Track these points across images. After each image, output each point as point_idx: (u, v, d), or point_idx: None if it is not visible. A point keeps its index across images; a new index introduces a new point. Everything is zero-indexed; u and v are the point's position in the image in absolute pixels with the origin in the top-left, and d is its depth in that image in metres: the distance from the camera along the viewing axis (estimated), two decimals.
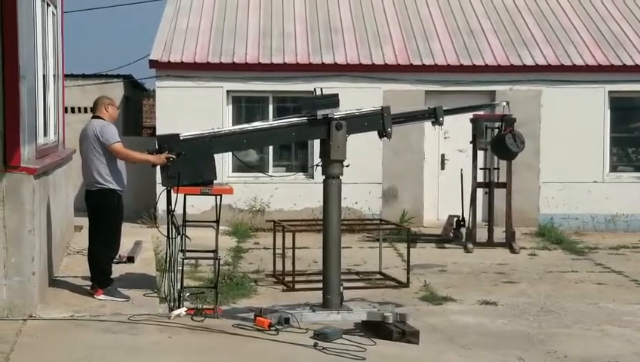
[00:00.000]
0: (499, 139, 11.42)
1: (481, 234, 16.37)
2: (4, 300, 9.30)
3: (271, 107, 18.99)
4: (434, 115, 10.36)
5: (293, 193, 18.35)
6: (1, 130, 9.28)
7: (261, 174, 17.98)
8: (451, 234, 16.89)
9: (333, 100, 9.86)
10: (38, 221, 9.79)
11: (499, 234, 16.36)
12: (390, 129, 10.05)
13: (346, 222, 15.61)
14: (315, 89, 10.00)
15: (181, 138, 9.68)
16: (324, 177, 9.90)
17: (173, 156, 9.57)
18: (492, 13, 20.91)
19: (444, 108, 10.53)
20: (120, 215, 10.78)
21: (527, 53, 19.33)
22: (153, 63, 18.56)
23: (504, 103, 11.11)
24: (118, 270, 11.64)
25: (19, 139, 9.39)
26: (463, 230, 16.62)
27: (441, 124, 10.41)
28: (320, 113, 9.73)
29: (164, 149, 9.68)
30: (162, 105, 18.60)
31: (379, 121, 10.04)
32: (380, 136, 10.18)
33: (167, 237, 10.04)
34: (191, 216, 10.36)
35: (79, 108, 20.56)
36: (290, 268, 12.55)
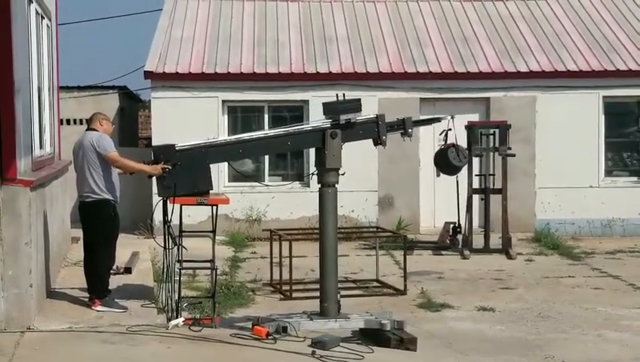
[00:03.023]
0: (441, 153, 11.24)
1: (478, 241, 16.38)
2: (1, 312, 9.33)
3: (266, 116, 19.03)
4: (403, 127, 10.23)
5: (289, 202, 18.36)
6: None
7: (257, 184, 17.96)
8: (448, 241, 16.90)
9: (355, 105, 9.90)
10: (35, 233, 9.81)
11: (495, 240, 16.38)
12: (385, 137, 10.06)
13: (342, 230, 15.63)
14: (337, 94, 10.02)
15: (177, 148, 9.70)
16: (319, 186, 9.91)
17: (169, 167, 9.58)
18: (486, 21, 20.97)
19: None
20: (116, 225, 10.79)
21: (521, 59, 19.37)
22: (148, 74, 18.58)
23: (449, 117, 10.98)
24: (115, 281, 11.65)
25: (15, 152, 9.41)
26: (460, 237, 16.62)
27: (410, 135, 10.24)
28: (343, 118, 9.76)
29: (160, 160, 9.70)
30: (158, 115, 18.62)
31: (374, 129, 10.05)
32: (375, 144, 10.19)
33: (164, 247, 10.05)
34: (187, 226, 10.37)
35: (75, 120, 20.58)
36: (287, 277, 12.55)
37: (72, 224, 15.17)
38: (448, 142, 11.18)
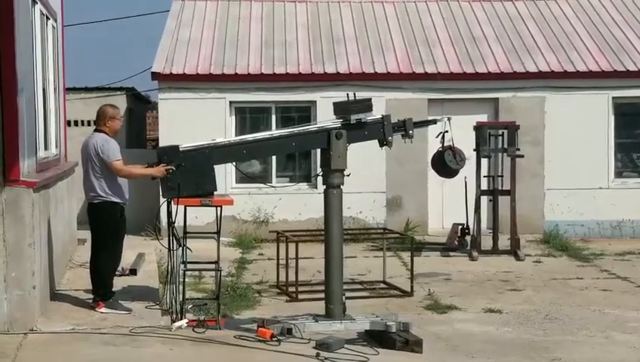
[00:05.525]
0: (438, 156, 11.17)
1: (486, 242, 16.32)
2: (4, 314, 9.26)
3: (274, 117, 18.98)
4: (404, 128, 10.07)
5: (297, 203, 18.30)
6: (0, 144, 9.25)
7: (264, 185, 17.88)
8: (456, 243, 16.83)
9: (366, 105, 9.82)
10: (39, 234, 9.77)
11: (504, 241, 16.31)
12: (391, 138, 9.97)
13: (350, 232, 15.63)
14: (347, 94, 9.94)
15: (180, 149, 9.63)
16: (324, 187, 9.84)
17: (173, 168, 9.52)
18: (494, 21, 20.89)
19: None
20: (123, 227, 10.73)
21: (530, 60, 19.29)
22: (155, 75, 18.57)
23: (446, 119, 10.86)
24: (120, 282, 11.63)
25: (18, 153, 9.36)
26: (468, 238, 16.57)
27: (410, 136, 10.08)
28: (354, 118, 9.69)
29: (164, 161, 9.64)
30: (165, 117, 18.61)
31: (379, 130, 9.95)
32: (381, 144, 10.10)
33: (168, 249, 10.00)
34: (195, 228, 10.33)
35: (82, 122, 20.55)
36: (293, 279, 12.50)
37: (78, 225, 15.14)
38: (445, 144, 11.07)
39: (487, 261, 15.60)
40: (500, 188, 16.63)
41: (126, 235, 10.98)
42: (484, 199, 16.83)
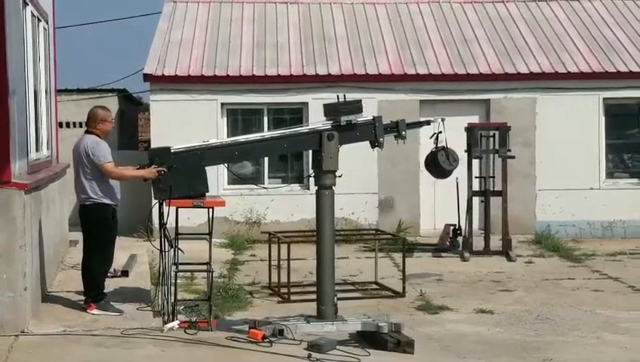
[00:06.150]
0: (432, 157, 11.19)
1: (478, 243, 16.32)
2: None
3: (266, 118, 18.98)
4: (396, 129, 10.09)
5: (289, 204, 18.31)
6: None
7: (256, 186, 17.87)
8: (448, 243, 16.84)
9: (356, 106, 9.83)
10: (30, 236, 9.76)
11: (495, 242, 16.32)
12: (382, 139, 9.98)
13: (342, 233, 15.63)
14: (337, 96, 9.95)
15: (172, 151, 9.64)
16: (316, 188, 9.85)
17: (164, 169, 9.52)
18: (486, 22, 20.92)
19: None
20: (114, 229, 10.72)
21: (522, 61, 19.32)
22: (147, 77, 18.56)
23: (439, 120, 10.87)
24: (112, 284, 11.62)
25: (9, 155, 9.38)
26: (460, 239, 16.58)
27: (403, 137, 10.11)
28: (343, 119, 9.70)
29: (156, 163, 9.64)
30: (157, 118, 18.60)
31: (371, 131, 9.97)
32: (372, 146, 10.11)
33: (160, 250, 10.00)
34: (187, 229, 10.32)
35: (74, 123, 20.54)
36: (286, 280, 12.50)
37: (72, 227, 15.11)
38: (439, 145, 11.07)
39: (479, 261, 15.61)
40: (491, 189, 16.65)
41: (118, 236, 10.97)
42: (475, 200, 16.85)
